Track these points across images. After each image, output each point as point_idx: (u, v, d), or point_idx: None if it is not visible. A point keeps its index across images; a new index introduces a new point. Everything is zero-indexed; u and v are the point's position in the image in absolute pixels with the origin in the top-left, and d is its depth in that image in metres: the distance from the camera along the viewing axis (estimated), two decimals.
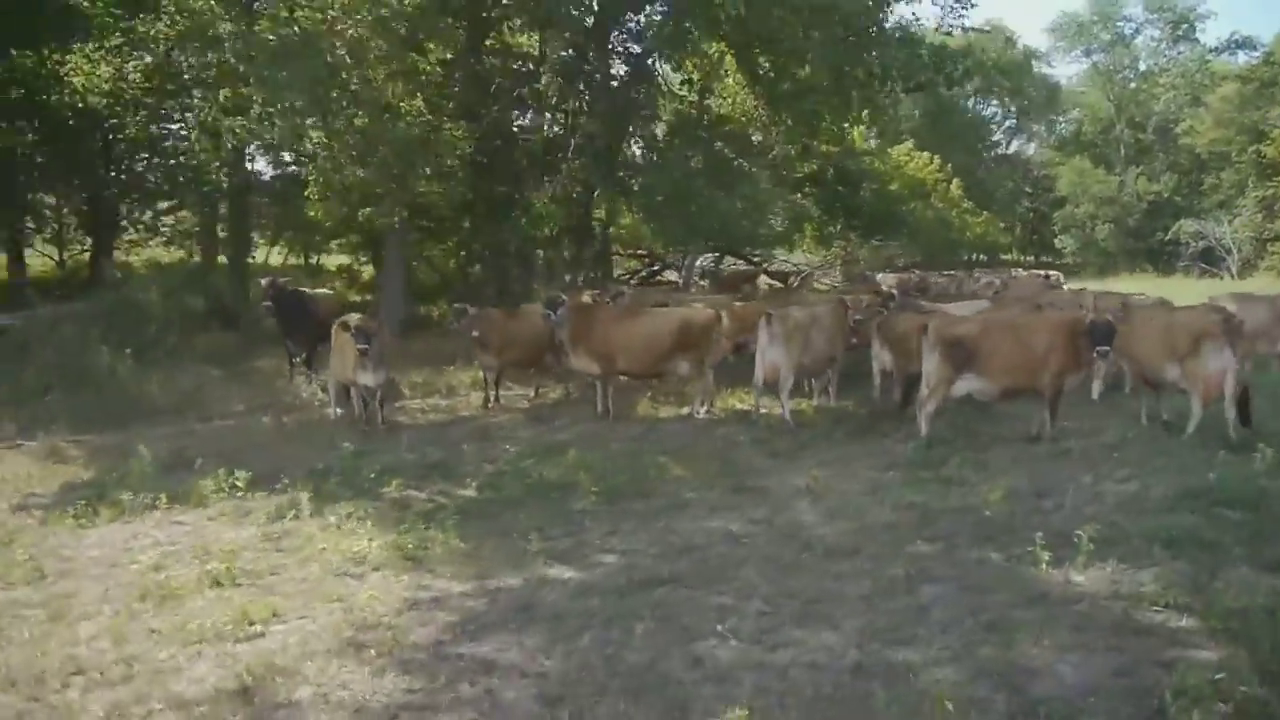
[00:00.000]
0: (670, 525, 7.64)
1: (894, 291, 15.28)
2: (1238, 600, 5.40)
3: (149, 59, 16.11)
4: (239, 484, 8.35)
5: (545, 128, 16.64)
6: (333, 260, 31.78)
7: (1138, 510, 7.58)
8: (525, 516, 8.00)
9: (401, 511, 8.28)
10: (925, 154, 39.89)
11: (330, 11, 13.24)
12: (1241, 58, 55.87)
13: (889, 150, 38.92)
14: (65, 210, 25.09)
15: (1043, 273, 34.67)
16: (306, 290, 15.23)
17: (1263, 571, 6.08)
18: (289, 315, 14.30)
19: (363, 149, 14.11)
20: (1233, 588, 5.72)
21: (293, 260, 33.49)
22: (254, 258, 32.98)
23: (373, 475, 9.10)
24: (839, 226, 35.04)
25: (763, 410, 12.07)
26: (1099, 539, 6.70)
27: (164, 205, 24.39)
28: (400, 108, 14.89)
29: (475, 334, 13.29)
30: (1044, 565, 6.12)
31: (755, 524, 7.58)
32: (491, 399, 13.63)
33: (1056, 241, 57.25)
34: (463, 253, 21.79)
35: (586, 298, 15.55)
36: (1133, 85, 57.56)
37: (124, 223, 24.48)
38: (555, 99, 16.67)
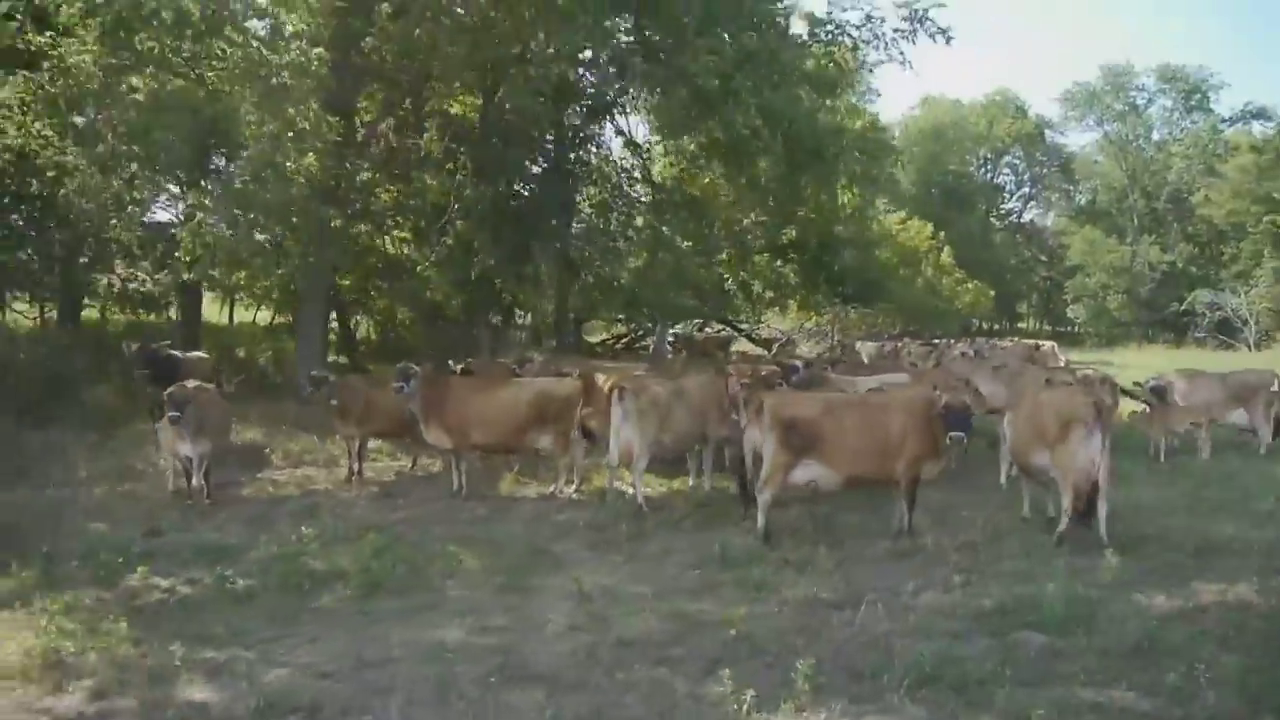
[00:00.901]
0: (385, 633, 6.61)
1: (796, 363, 14.14)
2: None
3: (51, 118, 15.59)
4: None
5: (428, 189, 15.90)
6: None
7: (930, 631, 6.45)
8: (240, 616, 7.03)
9: (123, 604, 7.35)
10: (918, 221, 38.87)
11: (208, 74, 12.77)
12: (1257, 128, 54.63)
13: (881, 217, 38.00)
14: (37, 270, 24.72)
15: (1034, 343, 33.36)
16: (178, 353, 14.50)
17: None
18: (160, 380, 13.53)
19: (236, 210, 13.50)
20: None
21: (280, 319, 33.10)
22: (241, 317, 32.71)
23: (120, 560, 8.16)
24: (820, 294, 34.11)
25: (628, 490, 11.03)
26: (847, 671, 5.62)
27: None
28: (286, 168, 14.28)
29: (333, 403, 12.46)
30: (744, 709, 5.01)
31: (481, 635, 6.54)
32: (355, 472, 12.70)
33: (1069, 311, 55.73)
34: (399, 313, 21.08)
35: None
36: (1146, 155, 56.40)
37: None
38: (439, 158, 15.96)
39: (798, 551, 8.61)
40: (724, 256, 26.22)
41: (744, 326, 38.38)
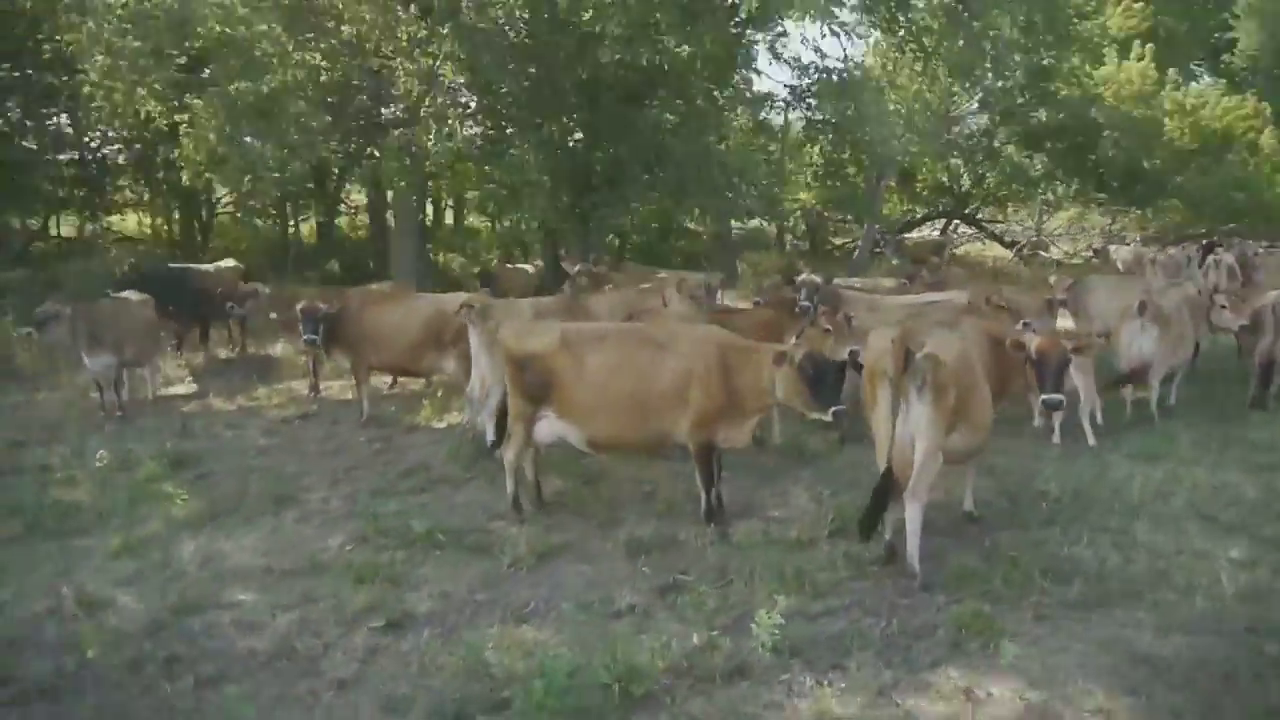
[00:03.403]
0: None
1: (815, 280, 11.23)
2: None
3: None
4: None
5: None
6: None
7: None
8: None
9: None
10: (1228, 98, 31.02)
11: None
12: None
13: (1175, 94, 30.63)
14: None
15: None
16: (190, 266, 14.53)
17: None
18: (165, 297, 13.49)
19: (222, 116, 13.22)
20: None
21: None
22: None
23: None
24: (1072, 187, 28.38)
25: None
26: None
27: None
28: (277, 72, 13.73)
29: (274, 316, 11.90)
30: None
31: None
32: (313, 387, 12.10)
33: None
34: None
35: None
36: None
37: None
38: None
39: (526, 529, 6.65)
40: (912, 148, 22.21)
41: (997, 226, 33.20)
